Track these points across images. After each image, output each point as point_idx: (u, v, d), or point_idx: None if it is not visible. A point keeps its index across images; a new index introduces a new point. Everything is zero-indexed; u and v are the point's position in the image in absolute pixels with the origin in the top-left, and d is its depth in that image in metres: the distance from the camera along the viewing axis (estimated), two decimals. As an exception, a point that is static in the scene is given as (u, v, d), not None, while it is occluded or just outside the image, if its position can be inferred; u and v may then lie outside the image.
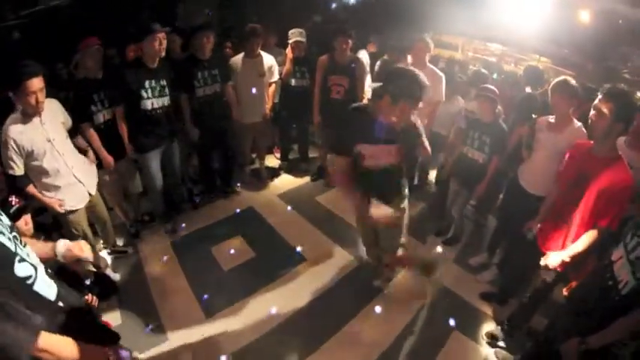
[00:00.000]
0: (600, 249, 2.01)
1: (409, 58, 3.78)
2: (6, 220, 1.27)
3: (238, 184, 4.31)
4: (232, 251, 3.36)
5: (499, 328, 2.69)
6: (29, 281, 1.20)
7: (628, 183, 1.95)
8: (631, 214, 2.01)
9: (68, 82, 3.26)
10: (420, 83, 2.02)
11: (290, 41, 3.96)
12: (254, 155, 4.55)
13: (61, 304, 1.34)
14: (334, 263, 3.31)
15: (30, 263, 1.24)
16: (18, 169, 2.29)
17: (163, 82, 3.07)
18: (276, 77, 3.98)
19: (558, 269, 2.13)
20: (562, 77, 2.60)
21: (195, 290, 2.94)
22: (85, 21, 4.13)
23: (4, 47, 3.60)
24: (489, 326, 2.76)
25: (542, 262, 2.19)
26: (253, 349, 2.53)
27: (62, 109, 2.55)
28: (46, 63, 2.97)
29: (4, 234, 1.18)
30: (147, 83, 2.98)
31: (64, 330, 1.26)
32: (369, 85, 4.75)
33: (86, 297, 1.90)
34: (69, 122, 2.60)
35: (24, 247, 1.28)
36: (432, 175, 4.56)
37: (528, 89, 3.50)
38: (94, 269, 2.77)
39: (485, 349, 2.60)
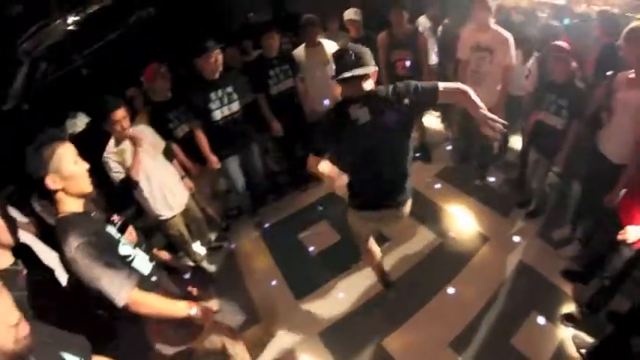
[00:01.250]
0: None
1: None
2: (113, 229, 1.76)
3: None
4: (318, 236, 3.61)
5: (578, 309, 2.63)
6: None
7: None
8: None
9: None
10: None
11: (345, 20, 3.97)
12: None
13: (154, 278, 1.79)
14: (417, 242, 3.41)
15: (131, 248, 1.73)
16: (121, 172, 2.63)
17: (229, 89, 3.21)
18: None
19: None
20: (634, 23, 2.29)
21: (285, 275, 3.26)
22: (147, 44, 4.44)
23: (78, 87, 4.01)
24: (569, 307, 2.71)
25: (621, 235, 2.05)
26: (339, 328, 2.79)
27: (152, 132, 2.91)
28: (119, 90, 3.38)
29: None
30: (213, 95, 3.14)
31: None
32: (435, 53, 4.60)
33: (188, 289, 2.29)
34: (160, 143, 2.95)
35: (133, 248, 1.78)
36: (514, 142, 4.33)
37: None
38: (192, 263, 3.24)
39: (563, 332, 2.57)
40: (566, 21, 4.55)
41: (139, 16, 4.90)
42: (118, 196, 2.91)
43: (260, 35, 3.54)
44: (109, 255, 1.55)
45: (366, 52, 1.90)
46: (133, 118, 3.04)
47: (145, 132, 2.83)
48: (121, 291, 1.51)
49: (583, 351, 2.42)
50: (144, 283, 1.66)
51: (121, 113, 2.53)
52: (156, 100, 3.22)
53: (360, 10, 3.99)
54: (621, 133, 2.43)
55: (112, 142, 2.65)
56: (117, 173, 2.61)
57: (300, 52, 3.85)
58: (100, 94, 2.69)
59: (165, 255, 2.70)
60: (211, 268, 3.40)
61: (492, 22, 3.32)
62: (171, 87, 3.26)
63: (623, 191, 2.33)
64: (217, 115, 3.20)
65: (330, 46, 3.87)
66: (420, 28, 4.48)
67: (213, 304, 2.99)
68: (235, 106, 3.28)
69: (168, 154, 3.02)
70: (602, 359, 2.15)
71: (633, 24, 2.28)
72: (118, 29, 4.73)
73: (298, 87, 3.80)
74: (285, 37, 4.38)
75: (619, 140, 2.47)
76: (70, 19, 4.39)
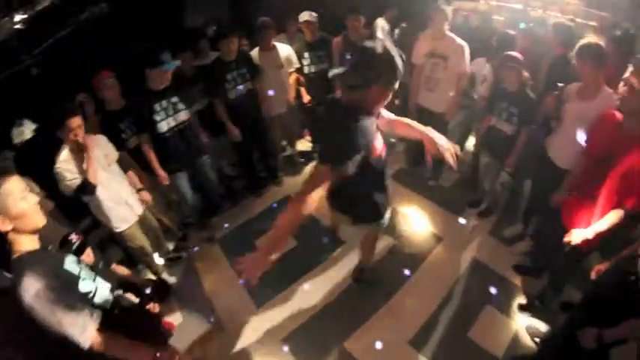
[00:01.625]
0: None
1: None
2: (72, 258, 1.68)
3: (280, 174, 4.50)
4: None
5: (531, 301, 2.80)
6: (90, 295, 1.62)
7: None
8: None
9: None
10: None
11: (299, 23, 3.99)
12: (285, 143, 4.72)
13: (117, 311, 1.74)
14: None
15: (92, 282, 1.65)
16: (77, 178, 2.49)
17: (174, 99, 3.11)
18: (295, 66, 4.02)
19: (582, 247, 2.11)
20: (586, 40, 2.40)
21: (245, 283, 3.15)
22: (101, 41, 4.27)
23: (31, 87, 3.81)
24: (522, 299, 2.89)
25: (566, 238, 2.17)
26: (301, 333, 2.82)
27: (106, 142, 2.78)
28: (72, 91, 3.22)
29: (71, 263, 1.62)
30: (157, 106, 3.02)
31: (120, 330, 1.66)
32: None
33: (148, 307, 2.25)
34: (113, 153, 2.81)
35: (90, 272, 1.71)
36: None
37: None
38: (152, 275, 3.17)
39: (517, 323, 2.74)
40: (522, 25, 4.80)
41: (91, 12, 4.69)
42: (74, 208, 2.81)
43: (218, 38, 3.48)
44: (69, 296, 1.49)
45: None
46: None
47: (100, 141, 2.72)
48: (84, 333, 1.47)
49: (537, 339, 2.61)
50: (107, 319, 1.62)
51: (76, 121, 2.41)
52: (108, 108, 3.10)
53: (316, 13, 3.99)
54: (568, 141, 2.56)
55: (65, 151, 2.51)
56: (72, 181, 2.48)
57: (254, 55, 3.83)
58: (52, 97, 2.61)
59: (123, 270, 2.60)
60: (171, 279, 3.32)
61: (448, 30, 3.45)
62: (124, 94, 3.13)
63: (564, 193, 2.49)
64: (163, 126, 3.08)
65: (284, 50, 3.90)
66: (378, 30, 4.57)
67: (176, 317, 2.95)
68: (182, 116, 3.18)
69: (123, 165, 2.89)
70: (555, 347, 2.30)
71: (586, 40, 2.40)
72: (69, 26, 4.49)
73: (257, 90, 3.76)
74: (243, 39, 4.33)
75: (566, 147, 2.61)
76: (18, 17, 4.14)
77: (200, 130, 3.47)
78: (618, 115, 2.11)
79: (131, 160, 3.08)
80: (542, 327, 2.65)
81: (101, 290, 1.69)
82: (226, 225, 3.93)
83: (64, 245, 2.04)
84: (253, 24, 3.78)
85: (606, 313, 1.75)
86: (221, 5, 5.68)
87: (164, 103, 3.05)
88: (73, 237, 2.11)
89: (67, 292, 1.49)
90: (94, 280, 1.69)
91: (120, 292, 1.86)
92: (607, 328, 1.69)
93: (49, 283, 1.42)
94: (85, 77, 3.16)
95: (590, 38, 2.44)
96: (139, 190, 3.01)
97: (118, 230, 2.83)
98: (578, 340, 1.81)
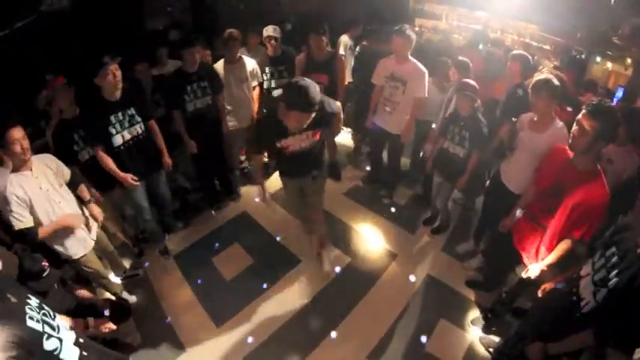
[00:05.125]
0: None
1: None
2: (34, 302, 1.62)
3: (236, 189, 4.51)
4: (232, 260, 3.67)
5: (483, 314, 3.04)
6: (56, 352, 1.56)
7: (604, 199, 2.03)
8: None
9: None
10: (305, 96, 2.22)
11: (263, 37, 4.07)
12: (243, 157, 4.77)
13: None
14: (327, 261, 3.56)
15: (57, 337, 1.60)
16: (27, 220, 2.38)
17: (130, 111, 3.03)
18: (260, 80, 4.09)
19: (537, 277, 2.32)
20: (542, 76, 2.60)
21: (203, 302, 3.28)
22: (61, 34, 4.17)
23: None
24: (475, 313, 3.12)
25: (524, 275, 2.39)
26: (261, 352, 2.91)
27: (54, 160, 2.68)
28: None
29: (32, 318, 1.53)
30: (113, 118, 2.93)
31: None
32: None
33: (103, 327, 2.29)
34: (64, 170, 2.71)
35: (54, 319, 1.66)
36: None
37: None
38: (112, 296, 3.14)
39: (471, 336, 2.97)
40: (481, 46, 5.17)
41: (50, 5, 4.53)
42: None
43: (182, 47, 3.43)
44: None
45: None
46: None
47: (44, 159, 2.61)
48: None
49: (491, 349, 2.83)
50: None
51: (18, 132, 2.29)
52: (64, 116, 2.98)
53: (279, 28, 4.10)
54: (520, 168, 2.78)
55: (7, 172, 2.36)
56: (19, 221, 2.37)
57: (219, 67, 3.84)
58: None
59: (85, 294, 2.59)
60: (132, 298, 3.28)
61: (409, 55, 3.61)
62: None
63: (519, 214, 2.71)
64: (118, 140, 3.00)
65: (250, 64, 3.94)
66: (341, 48, 4.77)
67: (135, 337, 2.94)
68: (138, 129, 3.12)
69: (74, 182, 2.80)
70: (508, 357, 2.47)
71: (542, 76, 2.60)
72: (28, 17, 4.33)
73: (218, 104, 3.77)
74: (207, 50, 4.35)
75: (518, 173, 2.82)
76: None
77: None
78: (567, 150, 2.27)
79: (81, 177, 2.96)
80: (496, 338, 2.88)
81: (66, 344, 1.64)
82: (183, 241, 3.94)
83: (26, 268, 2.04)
84: (215, 33, 3.81)
85: (551, 329, 1.96)
86: (184, 11, 5.66)
87: (120, 115, 2.97)
88: (45, 265, 2.13)
89: (33, 357, 1.43)
90: (58, 330, 1.64)
91: (82, 341, 1.83)
92: (552, 342, 1.89)
93: (13, 355, 1.35)
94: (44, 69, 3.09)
95: (547, 74, 2.68)
96: (87, 203, 2.87)
97: (74, 257, 2.74)
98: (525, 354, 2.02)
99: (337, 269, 3.52)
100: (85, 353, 1.73)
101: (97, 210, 2.92)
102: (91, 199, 2.92)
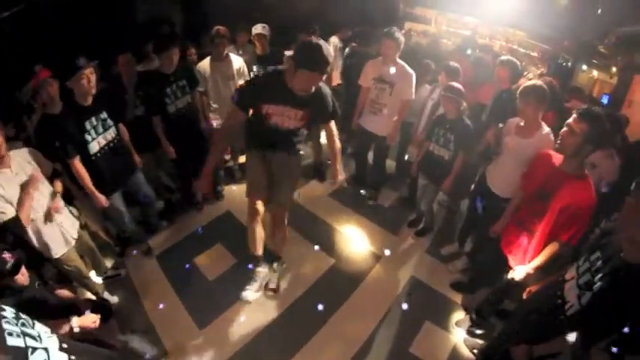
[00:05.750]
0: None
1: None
2: (10, 313, 1.49)
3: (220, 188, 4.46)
4: (214, 260, 3.62)
5: (468, 316, 3.05)
6: None
7: (591, 202, 2.09)
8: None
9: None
10: (317, 55, 2.17)
11: (252, 35, 4.05)
12: (228, 156, 4.73)
13: None
14: (312, 263, 3.61)
15: (42, 348, 1.49)
16: (8, 212, 2.32)
17: (103, 115, 2.94)
18: (246, 78, 4.03)
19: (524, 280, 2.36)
20: (530, 82, 2.65)
21: (186, 303, 3.22)
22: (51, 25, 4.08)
23: None
24: (459, 315, 3.15)
25: (509, 275, 2.42)
26: (245, 353, 2.87)
27: (35, 153, 2.63)
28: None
29: (12, 334, 1.40)
30: (87, 124, 2.83)
31: None
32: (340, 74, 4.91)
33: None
34: (45, 165, 2.66)
35: (33, 327, 1.54)
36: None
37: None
38: (93, 296, 3.08)
39: (456, 338, 2.99)
40: (469, 51, 5.25)
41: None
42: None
43: (159, 50, 3.35)
44: None
45: None
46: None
47: (23, 155, 2.55)
48: None
49: (475, 351, 2.86)
50: None
51: None
52: (46, 111, 2.85)
53: (268, 26, 4.08)
54: (506, 172, 2.82)
55: None
56: (2, 214, 2.31)
57: (205, 65, 3.81)
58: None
59: (66, 293, 2.53)
60: (114, 299, 3.21)
61: (398, 57, 3.63)
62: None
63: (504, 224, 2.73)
64: (94, 147, 2.90)
65: (237, 62, 3.91)
66: (331, 48, 4.77)
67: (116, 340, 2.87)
68: (112, 133, 3.04)
69: (53, 177, 2.73)
70: (491, 356, 2.52)
71: (529, 82, 2.63)
72: (17, 5, 4.22)
73: (196, 102, 3.72)
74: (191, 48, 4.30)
75: (504, 178, 2.86)
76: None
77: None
78: (554, 155, 2.34)
79: (60, 173, 2.87)
80: (480, 339, 2.91)
81: (53, 353, 1.54)
82: (165, 241, 3.88)
83: None
84: (203, 30, 3.77)
85: (536, 331, 1.99)
86: (173, 7, 5.60)
87: (94, 120, 2.86)
88: (6, 256, 2.04)
89: None
90: (40, 340, 1.53)
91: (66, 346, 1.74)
92: (536, 344, 1.92)
93: None
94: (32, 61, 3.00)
95: (535, 80, 2.71)
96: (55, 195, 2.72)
97: (55, 256, 2.68)
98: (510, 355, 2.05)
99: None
100: (72, 357, 1.64)
101: (59, 204, 2.75)
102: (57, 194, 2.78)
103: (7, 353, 1.33)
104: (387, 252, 3.69)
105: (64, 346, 1.65)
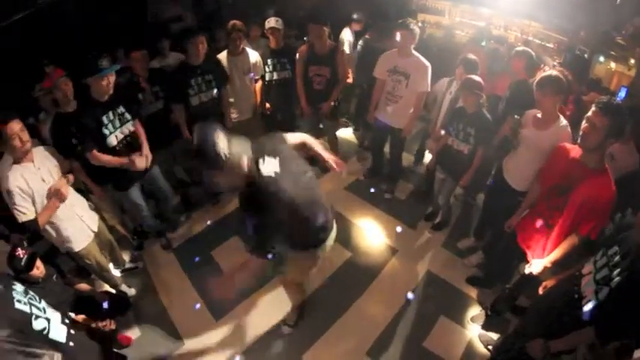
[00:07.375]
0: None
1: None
2: (19, 287, 1.77)
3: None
4: (231, 253, 3.64)
5: (483, 311, 3.05)
6: (45, 332, 1.73)
7: (612, 197, 2.06)
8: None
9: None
10: None
11: (265, 29, 4.03)
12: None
13: (72, 343, 1.84)
14: (327, 256, 3.57)
15: (44, 318, 1.75)
16: (30, 212, 2.37)
17: (120, 109, 2.95)
18: (262, 72, 4.06)
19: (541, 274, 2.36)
20: (547, 72, 2.57)
21: (202, 295, 3.27)
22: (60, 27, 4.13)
23: None
24: (475, 310, 3.14)
25: (527, 270, 2.41)
26: (261, 345, 2.92)
27: (54, 153, 2.69)
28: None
29: (20, 301, 1.69)
30: (105, 118, 2.84)
31: None
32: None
33: (103, 324, 2.32)
34: (62, 163, 2.70)
35: (40, 302, 1.82)
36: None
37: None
38: (111, 289, 3.14)
39: (471, 333, 2.99)
40: (484, 42, 5.19)
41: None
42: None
43: (185, 38, 3.36)
44: (25, 340, 1.56)
45: None
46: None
47: (45, 152, 2.61)
48: None
49: (490, 347, 2.85)
50: (64, 353, 1.71)
51: (15, 125, 2.25)
52: (61, 110, 2.94)
53: (282, 20, 4.06)
54: (523, 165, 2.79)
55: (9, 165, 2.34)
56: (23, 214, 2.35)
57: (222, 58, 3.80)
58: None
59: (84, 286, 2.59)
60: (131, 291, 3.27)
61: (413, 49, 3.59)
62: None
63: (525, 212, 2.70)
64: (112, 141, 2.90)
65: (253, 56, 3.91)
66: (346, 44, 4.77)
67: (134, 331, 2.95)
68: (129, 127, 3.05)
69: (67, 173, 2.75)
70: (507, 355, 2.48)
71: (547, 73, 2.56)
72: (27, 9, 4.29)
73: (224, 99, 3.74)
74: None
75: (520, 170, 2.83)
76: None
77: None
78: (571, 149, 2.32)
79: (76, 169, 2.92)
80: (495, 335, 2.90)
81: (54, 323, 1.75)
82: (182, 235, 3.93)
83: (12, 262, 2.04)
84: (216, 25, 3.77)
85: (552, 326, 1.97)
86: (185, 2, 5.61)
87: (111, 114, 2.88)
88: (20, 252, 2.08)
89: (22, 337, 1.54)
90: (45, 312, 1.74)
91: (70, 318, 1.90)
92: (553, 340, 1.90)
93: (3, 334, 1.45)
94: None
95: (552, 70, 2.66)
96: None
97: (75, 249, 2.73)
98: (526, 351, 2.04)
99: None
100: (72, 331, 1.89)
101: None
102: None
103: (14, 315, 1.62)
104: (403, 246, 3.69)
105: (67, 321, 1.91)
